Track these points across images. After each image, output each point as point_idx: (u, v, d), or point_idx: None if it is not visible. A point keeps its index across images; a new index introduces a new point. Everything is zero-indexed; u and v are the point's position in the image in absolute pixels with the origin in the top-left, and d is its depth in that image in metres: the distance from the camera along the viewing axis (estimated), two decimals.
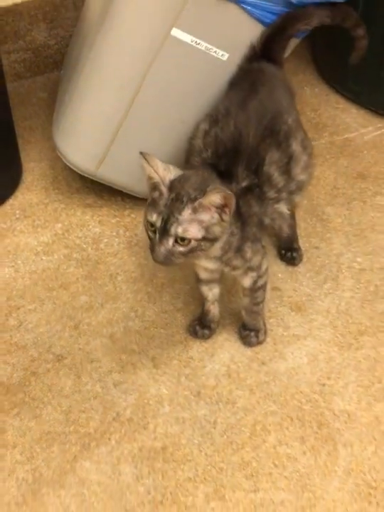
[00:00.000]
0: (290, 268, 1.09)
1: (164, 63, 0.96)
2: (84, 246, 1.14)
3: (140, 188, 1.11)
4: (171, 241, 0.77)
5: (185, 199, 0.76)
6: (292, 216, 1.06)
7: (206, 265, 0.90)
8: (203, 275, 0.95)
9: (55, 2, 1.41)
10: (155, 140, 1.04)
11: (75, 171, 1.15)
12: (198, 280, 0.96)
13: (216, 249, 0.82)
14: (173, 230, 0.76)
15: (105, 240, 1.15)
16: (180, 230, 0.76)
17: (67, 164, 1.13)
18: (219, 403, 0.91)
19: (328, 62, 1.45)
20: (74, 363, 0.97)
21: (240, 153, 0.85)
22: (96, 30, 0.99)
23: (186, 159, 0.93)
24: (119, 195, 1.19)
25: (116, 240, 1.15)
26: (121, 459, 0.86)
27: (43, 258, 1.12)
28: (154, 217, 0.77)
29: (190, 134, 0.93)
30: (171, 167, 0.80)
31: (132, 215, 1.18)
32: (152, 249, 0.79)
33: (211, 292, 0.97)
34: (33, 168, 1.28)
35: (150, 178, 0.80)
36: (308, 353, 0.97)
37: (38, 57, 1.47)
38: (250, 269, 0.90)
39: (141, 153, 0.79)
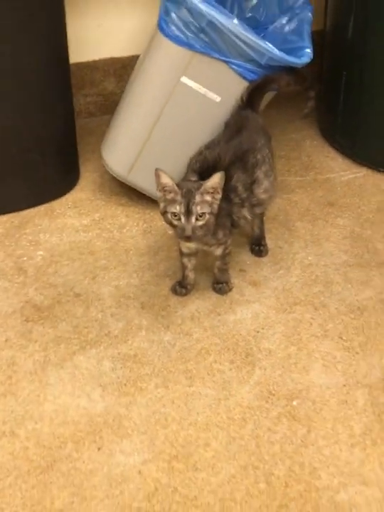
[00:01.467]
0: (256, 259, 1.46)
1: (176, 101, 1.39)
2: (112, 229, 1.56)
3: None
4: (193, 218, 1.16)
5: (193, 190, 1.16)
6: (261, 221, 1.44)
7: (192, 246, 1.29)
8: (185, 251, 1.33)
9: (123, 61, 1.89)
10: (170, 156, 1.45)
11: (116, 181, 1.59)
12: (181, 253, 1.34)
13: (205, 230, 1.20)
14: (193, 210, 1.16)
15: (127, 227, 1.56)
16: (198, 208, 1.16)
17: (108, 170, 1.57)
18: (180, 334, 1.28)
19: (326, 121, 1.85)
20: (87, 299, 1.36)
21: (216, 169, 1.22)
22: (133, 79, 1.45)
23: (186, 171, 1.34)
24: (144, 198, 1.60)
25: (136, 228, 1.56)
26: (104, 358, 1.23)
27: (82, 234, 1.55)
28: (177, 208, 1.16)
29: (191, 154, 1.35)
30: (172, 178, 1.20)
31: (151, 213, 1.59)
32: (180, 231, 1.17)
33: (190, 263, 1.35)
34: (87, 176, 1.73)
35: (164, 185, 1.18)
36: (253, 312, 1.32)
37: (107, 101, 1.95)
38: (220, 244, 1.29)
39: (156, 169, 1.18)
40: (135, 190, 1.59)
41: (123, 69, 1.91)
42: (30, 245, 1.51)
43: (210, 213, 1.17)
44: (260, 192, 1.30)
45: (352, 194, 1.65)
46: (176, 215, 1.17)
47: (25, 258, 1.48)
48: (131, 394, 1.17)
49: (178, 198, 1.16)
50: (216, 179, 1.15)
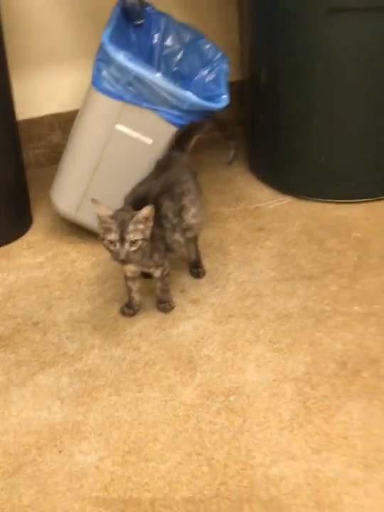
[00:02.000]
0: (195, 280, 1.63)
1: (113, 145, 1.57)
2: (64, 264, 1.71)
3: None
4: (127, 245, 1.33)
5: (126, 220, 1.32)
6: (196, 246, 1.61)
7: (131, 269, 1.46)
8: (129, 274, 1.50)
9: (67, 116, 2.08)
10: (111, 194, 1.61)
11: (66, 222, 1.76)
12: (126, 278, 1.51)
13: (140, 254, 1.38)
14: (126, 237, 1.32)
15: (78, 262, 1.72)
16: (131, 236, 1.32)
17: (57, 212, 1.74)
18: (129, 349, 1.43)
19: (252, 158, 2.06)
20: (44, 326, 1.51)
21: (147, 200, 1.41)
22: (74, 130, 1.64)
23: (123, 204, 1.51)
24: (92, 236, 1.76)
25: (86, 262, 1.72)
26: (62, 375, 1.37)
27: (36, 270, 1.70)
28: (113, 236, 1.33)
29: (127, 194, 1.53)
30: (110, 207, 1.38)
31: (99, 248, 1.73)
32: (116, 255, 1.34)
33: (134, 285, 1.51)
34: (40, 221, 1.89)
35: (100, 216, 1.36)
36: (193, 326, 1.49)
37: (54, 152, 2.12)
38: (158, 266, 1.46)
39: (92, 200, 1.36)
40: (83, 229, 1.76)
41: (67, 122, 2.08)
42: None
43: (143, 239, 1.34)
44: (189, 217, 1.49)
45: (278, 219, 1.85)
46: (112, 242, 1.34)
47: None
48: (87, 403, 1.31)
49: (114, 227, 1.33)
50: (146, 211, 1.33)
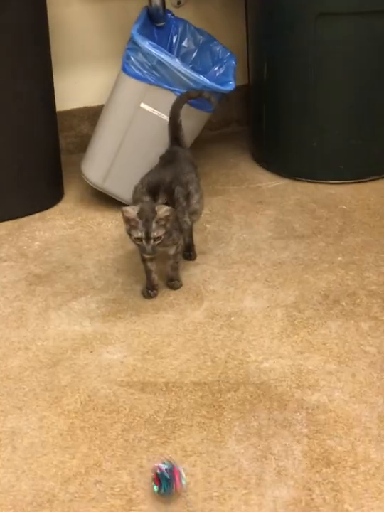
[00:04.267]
0: (202, 237, 1.90)
1: (138, 121, 1.88)
2: (92, 226, 2.01)
3: (128, 197, 1.98)
4: (152, 242, 1.54)
5: (150, 219, 1.52)
6: (191, 231, 1.80)
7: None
8: (147, 256, 1.66)
9: (95, 109, 2.39)
10: (135, 165, 1.87)
11: (93, 195, 2.06)
12: (143, 260, 1.68)
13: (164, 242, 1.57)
14: (152, 235, 1.50)
15: (104, 224, 2.01)
16: (155, 234, 1.54)
17: (86, 181, 2.04)
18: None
19: (254, 147, 2.37)
20: (75, 269, 1.79)
21: (159, 188, 1.62)
22: (105, 109, 1.96)
23: (136, 196, 1.69)
24: (116, 205, 2.05)
25: (110, 224, 2.01)
26: (91, 302, 1.65)
27: (68, 230, 1.99)
28: (139, 234, 1.49)
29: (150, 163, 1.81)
30: (134, 207, 1.52)
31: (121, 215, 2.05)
32: (142, 249, 1.51)
33: (153, 266, 1.68)
34: (69, 194, 2.19)
35: (127, 218, 1.50)
36: (201, 270, 1.76)
37: (82, 141, 2.43)
38: (174, 243, 1.67)
39: (122, 209, 1.51)
40: (108, 199, 2.06)
41: (95, 115, 2.39)
42: (28, 239, 1.95)
43: (165, 233, 1.51)
44: (194, 202, 1.70)
45: (276, 195, 2.14)
46: (138, 239, 1.51)
47: (25, 247, 1.91)
48: (112, 321, 1.58)
49: (140, 226, 1.49)
50: (166, 212, 1.50)
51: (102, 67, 2.37)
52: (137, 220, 1.50)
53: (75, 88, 2.39)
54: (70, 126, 2.43)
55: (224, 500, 1.13)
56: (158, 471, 1.10)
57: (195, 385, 1.37)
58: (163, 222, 1.51)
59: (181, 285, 1.72)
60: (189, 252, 1.83)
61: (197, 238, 1.89)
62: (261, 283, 1.70)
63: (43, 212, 2.09)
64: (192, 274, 1.76)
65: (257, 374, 1.39)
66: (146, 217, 1.50)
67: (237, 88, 2.03)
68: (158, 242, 1.52)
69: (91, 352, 1.49)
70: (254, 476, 1.17)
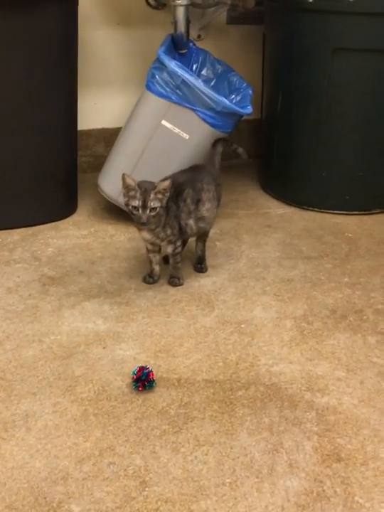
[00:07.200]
0: (212, 252, 1.95)
1: (157, 138, 1.96)
2: (104, 237, 2.05)
3: None
4: (147, 210, 1.67)
5: (148, 190, 1.61)
6: (204, 245, 1.87)
7: (146, 237, 1.75)
8: (149, 247, 1.78)
9: (111, 131, 2.49)
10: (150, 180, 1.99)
11: (106, 209, 2.12)
12: (147, 251, 1.78)
13: (157, 220, 1.66)
14: (148, 204, 1.66)
15: (116, 236, 2.06)
16: (151, 203, 1.66)
17: (102, 194, 2.10)
18: (159, 292, 1.75)
19: (263, 177, 2.45)
20: (88, 274, 1.83)
21: (173, 184, 1.70)
22: (125, 125, 2.04)
23: None
24: (128, 219, 2.10)
25: (123, 236, 2.06)
26: (104, 303, 1.68)
27: (81, 239, 2.04)
28: (136, 203, 1.63)
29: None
30: (135, 179, 1.66)
31: (133, 228, 2.09)
32: (138, 218, 1.66)
33: (155, 258, 1.78)
34: (83, 207, 2.25)
35: (127, 185, 1.58)
36: (212, 281, 1.81)
37: (96, 161, 2.52)
38: (170, 242, 1.73)
39: (123, 174, 1.60)
40: (120, 214, 2.11)
41: (111, 137, 2.49)
42: (42, 245, 1.99)
43: (161, 207, 1.59)
44: (204, 209, 1.76)
45: (284, 221, 2.21)
46: (135, 208, 1.59)
47: (39, 252, 1.95)
48: (125, 321, 1.61)
49: (137, 195, 1.57)
50: (165, 183, 1.58)
51: (122, 91, 2.47)
52: (136, 188, 1.58)
53: (93, 109, 2.48)
54: (86, 146, 2.51)
55: (236, 486, 1.14)
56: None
57: (207, 382, 1.40)
58: (160, 196, 1.59)
59: (182, 283, 1.78)
60: (200, 265, 1.88)
61: (208, 254, 1.94)
62: (270, 296, 1.74)
63: (57, 223, 2.14)
64: (203, 284, 1.80)
65: (268, 376, 1.42)
66: (145, 188, 1.58)
67: (249, 121, 2.13)
68: (153, 213, 1.58)
69: (104, 348, 1.51)
70: (266, 466, 1.19)
